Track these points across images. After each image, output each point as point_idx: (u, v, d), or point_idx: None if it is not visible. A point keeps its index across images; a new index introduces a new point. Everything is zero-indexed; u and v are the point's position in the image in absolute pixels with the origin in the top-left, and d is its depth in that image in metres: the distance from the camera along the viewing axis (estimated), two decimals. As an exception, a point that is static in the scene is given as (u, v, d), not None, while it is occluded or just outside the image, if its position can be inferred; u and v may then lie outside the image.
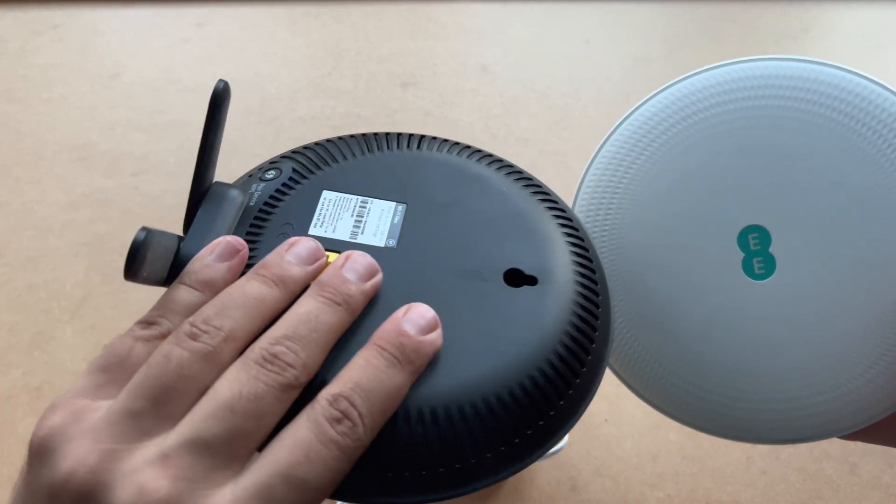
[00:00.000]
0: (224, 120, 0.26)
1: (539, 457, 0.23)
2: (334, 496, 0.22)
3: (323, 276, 0.24)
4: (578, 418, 0.24)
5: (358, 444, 0.21)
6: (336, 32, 0.78)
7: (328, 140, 0.30)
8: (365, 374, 0.21)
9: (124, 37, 0.77)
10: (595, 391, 0.25)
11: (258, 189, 0.28)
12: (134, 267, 0.23)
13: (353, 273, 0.24)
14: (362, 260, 0.24)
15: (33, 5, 0.80)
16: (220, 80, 0.25)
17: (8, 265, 0.52)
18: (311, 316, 0.22)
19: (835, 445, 0.46)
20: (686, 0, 0.86)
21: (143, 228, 0.23)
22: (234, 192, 0.27)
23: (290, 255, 0.24)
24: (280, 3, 0.81)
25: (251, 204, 0.27)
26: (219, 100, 0.25)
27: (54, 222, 0.56)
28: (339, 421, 0.20)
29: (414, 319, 0.23)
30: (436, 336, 0.23)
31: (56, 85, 0.71)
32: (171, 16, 0.80)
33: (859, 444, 0.46)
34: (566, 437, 0.42)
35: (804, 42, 0.80)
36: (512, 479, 0.44)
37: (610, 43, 0.79)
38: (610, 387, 0.48)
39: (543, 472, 0.44)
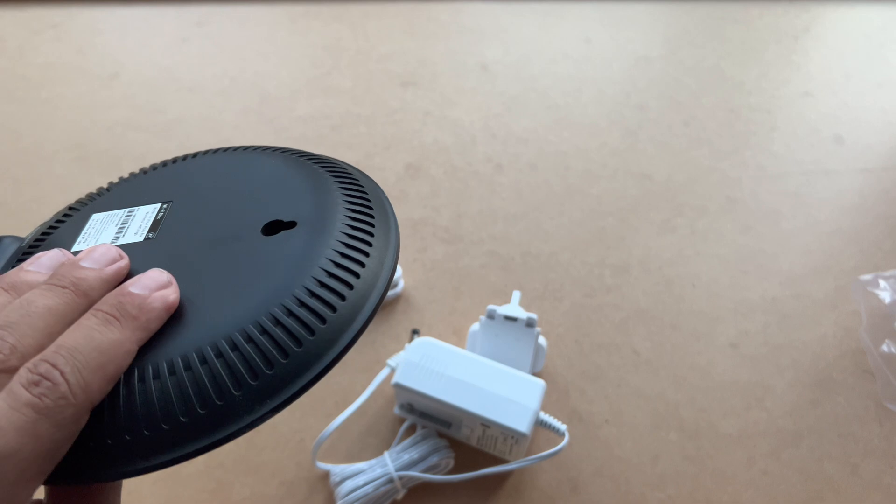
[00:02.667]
0: None
1: (302, 390, 0.22)
2: (81, 477, 0.21)
3: (56, 270, 0.24)
4: (342, 351, 0.23)
5: (63, 402, 0.20)
6: (336, 32, 0.78)
7: (109, 182, 0.32)
8: (72, 335, 0.21)
9: (123, 36, 0.77)
10: (363, 324, 0.24)
11: (33, 232, 0.29)
12: None
13: (88, 261, 0.24)
14: (101, 248, 0.24)
15: (32, 4, 0.80)
16: None
17: None
18: (25, 302, 0.22)
19: (836, 446, 0.46)
20: (686, 0, 0.86)
21: None
22: (8, 240, 0.28)
23: (32, 265, 0.24)
24: (280, 3, 0.81)
25: (22, 245, 0.28)
26: None
27: (53, 222, 0.56)
28: (36, 384, 0.19)
29: (141, 282, 0.23)
30: (167, 292, 0.23)
31: (55, 84, 0.71)
32: (170, 15, 0.79)
33: (860, 445, 0.46)
34: (566, 436, 0.42)
35: (805, 42, 0.80)
36: (512, 480, 0.44)
37: (610, 42, 0.79)
38: (610, 387, 0.48)
39: (543, 473, 0.44)
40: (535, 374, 0.44)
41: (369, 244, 0.26)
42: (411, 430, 0.45)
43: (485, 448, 0.44)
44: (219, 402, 0.21)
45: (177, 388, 0.21)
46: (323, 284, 0.24)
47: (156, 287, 0.23)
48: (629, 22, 0.82)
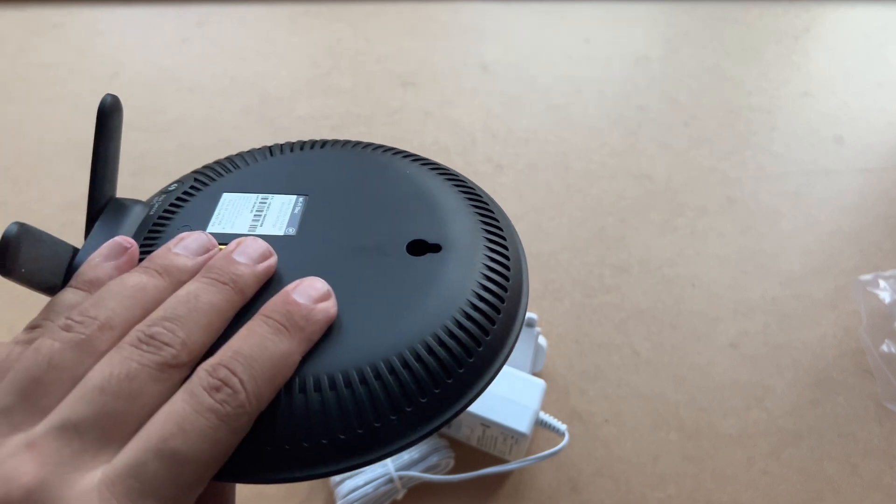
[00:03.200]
0: (117, 133, 0.26)
1: (450, 419, 0.23)
2: (234, 476, 0.21)
3: (211, 262, 0.24)
4: (490, 379, 0.24)
5: (240, 411, 0.20)
6: (336, 32, 0.78)
7: (233, 154, 0.31)
8: (247, 341, 0.21)
9: (124, 36, 0.77)
10: (509, 351, 0.25)
11: (158, 200, 0.28)
12: (6, 262, 0.22)
13: (242, 256, 0.24)
14: (253, 243, 0.24)
15: (33, 4, 0.80)
16: (108, 95, 0.26)
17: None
18: (191, 296, 0.22)
19: (836, 446, 0.46)
20: (686, 0, 0.86)
21: (16, 223, 0.22)
22: (134, 205, 0.27)
23: (178, 247, 0.24)
24: (280, 3, 0.81)
25: (151, 213, 0.27)
26: (105, 114, 0.25)
27: (54, 222, 0.56)
28: (217, 389, 0.20)
29: (304, 290, 0.23)
30: (328, 305, 0.23)
31: (55, 84, 0.71)
32: (170, 15, 0.79)
33: (860, 445, 0.46)
34: (566, 436, 0.42)
35: (805, 42, 0.80)
36: (512, 480, 0.44)
37: (610, 42, 0.79)
38: (610, 387, 0.48)
39: (543, 473, 0.44)
40: (534, 374, 0.44)
41: (507, 278, 0.26)
42: (411, 430, 0.45)
43: (485, 448, 0.44)
44: (376, 424, 0.22)
45: (336, 405, 0.21)
46: (469, 317, 0.24)
47: (318, 298, 0.23)
48: (629, 22, 0.82)
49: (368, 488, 0.41)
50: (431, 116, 0.68)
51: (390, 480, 0.41)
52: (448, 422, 0.23)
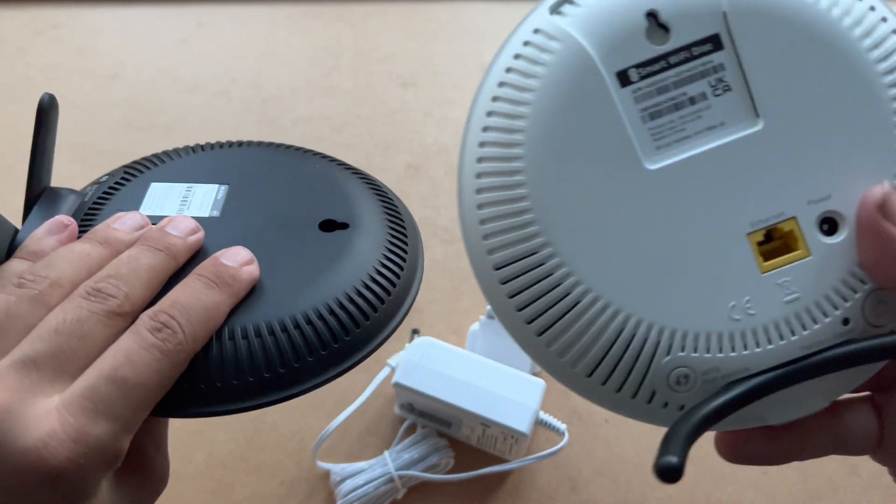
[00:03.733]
0: (53, 127, 0.31)
1: (352, 366, 0.27)
2: (175, 411, 0.25)
3: (146, 233, 0.27)
4: (386, 337, 0.28)
5: (179, 348, 0.23)
6: (336, 32, 0.78)
7: (159, 152, 0.35)
8: (183, 293, 0.25)
9: (124, 36, 0.77)
10: (402, 316, 0.29)
11: (91, 189, 0.32)
12: None
13: (174, 229, 0.27)
14: (183, 220, 0.28)
15: (32, 4, 0.80)
16: (46, 94, 0.30)
17: None
18: (132, 258, 0.25)
19: (835, 445, 0.46)
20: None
21: None
22: (69, 194, 0.31)
23: (117, 223, 0.28)
24: (280, 3, 0.81)
25: (85, 200, 0.31)
26: (44, 111, 0.30)
27: (54, 222, 0.56)
28: (158, 329, 0.23)
29: (231, 255, 0.27)
30: (252, 268, 0.27)
31: (56, 85, 0.71)
32: (170, 16, 0.79)
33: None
34: (566, 436, 0.42)
35: (804, 42, 0.80)
36: (512, 480, 0.44)
37: (610, 42, 0.79)
38: (610, 387, 0.48)
39: (543, 473, 0.44)
40: (535, 373, 0.44)
41: (405, 250, 0.31)
42: (411, 429, 0.45)
43: (485, 448, 0.44)
44: (295, 365, 0.26)
45: (261, 349, 0.25)
46: (374, 280, 0.29)
47: (243, 262, 0.27)
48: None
49: (368, 488, 0.41)
50: (431, 116, 0.68)
51: (390, 480, 0.41)
52: (351, 367, 0.27)
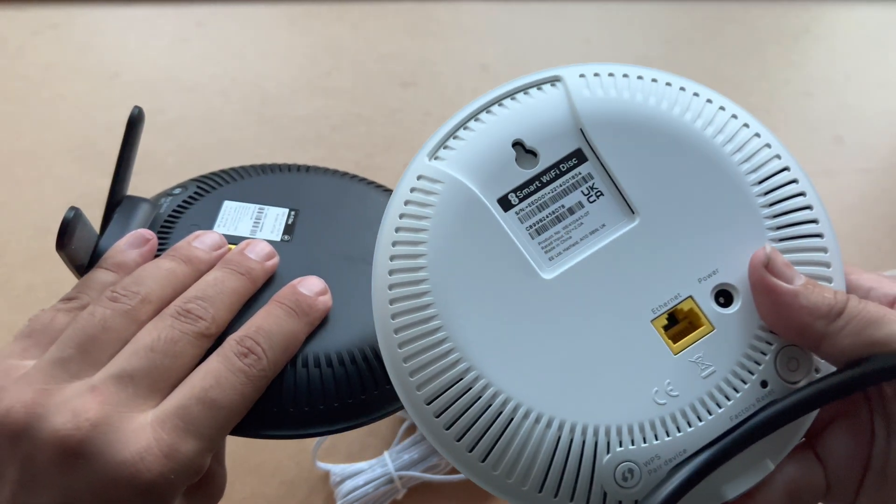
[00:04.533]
0: (138, 140, 0.31)
1: None
2: (250, 431, 0.26)
3: (228, 256, 0.28)
4: None
5: (262, 373, 0.25)
6: (336, 32, 0.78)
7: (228, 168, 0.36)
8: (266, 320, 0.26)
9: (123, 36, 0.77)
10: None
11: (166, 201, 0.32)
12: (65, 239, 0.26)
13: (253, 253, 0.28)
14: (261, 244, 0.29)
15: (32, 4, 0.80)
16: (136, 107, 0.31)
17: (7, 265, 0.52)
18: (218, 281, 0.27)
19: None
20: (686, 0, 0.86)
21: (73, 208, 0.27)
22: (145, 203, 0.32)
23: (197, 242, 0.29)
24: (280, 3, 0.81)
25: (160, 212, 0.31)
26: (133, 124, 0.31)
27: (54, 222, 0.56)
28: (245, 355, 0.25)
29: (307, 284, 0.28)
30: (326, 298, 0.28)
31: (55, 84, 0.71)
32: (170, 15, 0.79)
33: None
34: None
35: (805, 42, 0.80)
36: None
37: (610, 43, 0.79)
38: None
39: (544, 473, 0.44)
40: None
41: None
42: (411, 429, 0.45)
43: (485, 448, 0.44)
44: (362, 396, 0.27)
45: (331, 378, 0.27)
46: None
47: (318, 292, 0.28)
48: (629, 22, 0.82)
49: (368, 488, 0.41)
50: (431, 116, 0.68)
51: (390, 480, 0.41)
52: None
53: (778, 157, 0.24)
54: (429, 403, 0.23)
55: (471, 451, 0.23)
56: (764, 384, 0.22)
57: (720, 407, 0.22)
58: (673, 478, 0.21)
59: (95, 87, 0.71)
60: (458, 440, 0.23)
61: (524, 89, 0.25)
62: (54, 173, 0.61)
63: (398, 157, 0.64)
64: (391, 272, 0.23)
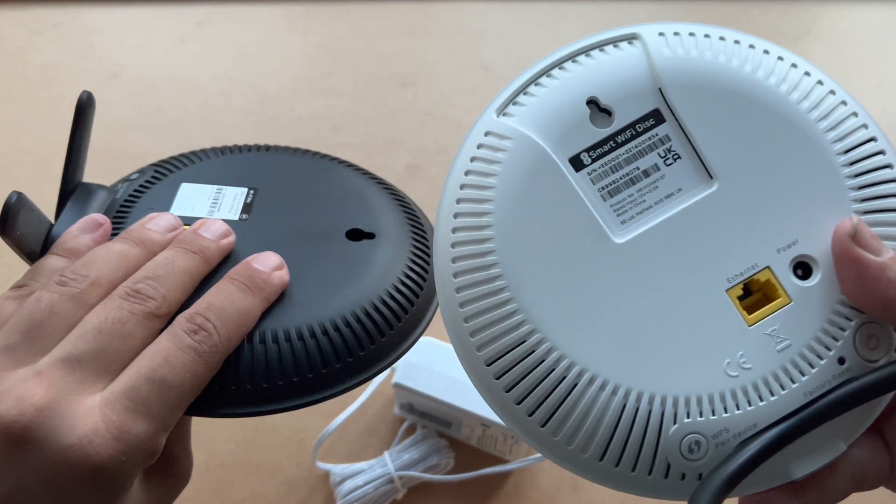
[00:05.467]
0: (90, 125, 0.31)
1: (379, 371, 0.28)
2: (206, 410, 0.25)
3: (181, 235, 0.28)
4: (411, 344, 0.29)
5: (214, 350, 0.24)
6: (336, 32, 0.78)
7: (187, 152, 0.35)
8: (217, 296, 0.25)
9: (123, 36, 0.77)
10: (426, 324, 0.30)
11: (122, 187, 0.32)
12: (7, 224, 0.26)
13: (207, 232, 0.28)
14: (216, 223, 0.28)
15: (32, 4, 0.80)
16: (84, 92, 0.31)
17: (8, 265, 0.52)
18: (168, 260, 0.26)
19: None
20: (686, 0, 0.86)
21: (16, 192, 0.26)
22: (100, 190, 0.31)
23: (151, 224, 0.28)
24: (279, 3, 0.81)
25: (117, 197, 0.31)
26: (82, 109, 0.30)
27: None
28: (195, 332, 0.24)
29: (262, 260, 0.27)
30: (282, 273, 0.27)
31: (55, 84, 0.71)
32: (170, 15, 0.79)
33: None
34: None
35: (805, 42, 0.80)
36: (512, 480, 0.44)
37: (610, 42, 0.79)
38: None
39: (544, 473, 0.44)
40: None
41: (427, 261, 0.31)
42: (411, 430, 0.45)
43: (485, 448, 0.44)
44: (323, 370, 0.26)
45: (290, 353, 0.26)
46: (399, 290, 0.29)
47: (274, 267, 0.27)
48: (629, 22, 0.82)
49: (368, 488, 0.41)
50: (431, 116, 0.68)
51: (390, 480, 0.41)
52: (376, 375, 0.28)
53: (865, 126, 0.23)
54: (489, 364, 0.22)
55: (531, 414, 0.22)
56: (841, 361, 0.22)
57: (794, 382, 0.22)
58: (740, 452, 0.21)
59: (95, 87, 0.70)
60: (518, 403, 0.22)
61: (600, 46, 0.24)
62: (54, 173, 0.61)
63: (398, 157, 0.64)
64: (455, 230, 0.23)
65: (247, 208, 0.31)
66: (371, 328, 0.27)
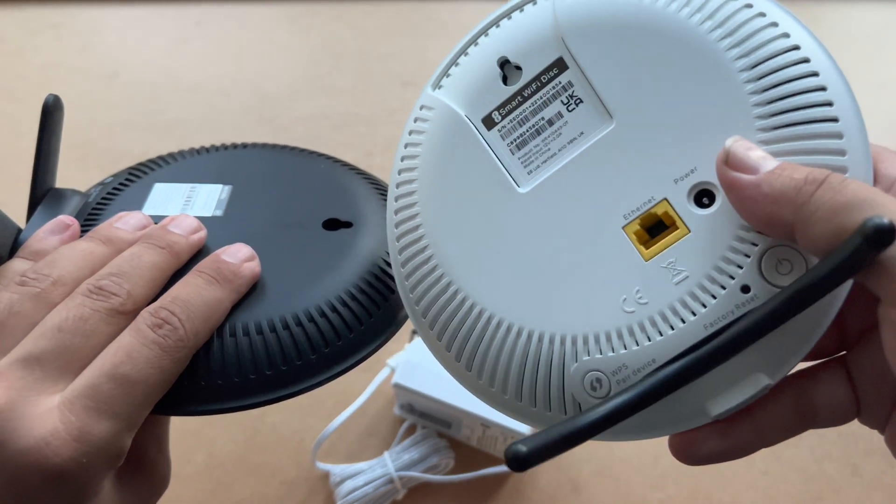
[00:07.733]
0: (58, 129, 0.30)
1: (355, 364, 0.27)
2: (176, 408, 0.24)
3: (149, 231, 0.27)
4: (390, 335, 0.28)
5: (180, 344, 0.23)
6: (336, 31, 0.78)
7: (164, 154, 0.35)
8: (184, 289, 0.25)
9: (123, 36, 0.77)
10: (405, 316, 0.29)
11: (95, 190, 0.31)
12: None
13: (176, 227, 0.27)
14: (185, 219, 0.28)
15: (32, 4, 0.80)
16: (50, 95, 0.30)
17: (7, 265, 0.52)
18: (134, 256, 0.25)
19: (836, 446, 0.46)
20: None
21: None
22: (73, 195, 0.31)
23: (119, 223, 0.28)
24: (279, 3, 0.81)
25: (89, 201, 0.30)
26: (49, 112, 0.30)
27: (53, 222, 0.56)
28: (159, 326, 0.23)
29: (231, 252, 0.27)
30: (253, 264, 0.27)
31: (55, 84, 0.71)
32: (170, 15, 0.79)
33: (861, 445, 0.46)
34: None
35: (805, 41, 0.80)
36: (512, 480, 0.44)
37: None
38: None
39: (544, 474, 0.44)
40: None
41: None
42: (411, 430, 0.45)
43: (485, 448, 0.44)
44: (297, 362, 0.26)
45: (262, 346, 0.25)
46: (377, 278, 0.28)
47: (244, 258, 0.27)
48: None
49: (368, 488, 0.41)
50: (431, 116, 0.68)
51: (390, 481, 0.41)
52: (354, 366, 0.27)
53: (786, 35, 0.21)
54: (424, 316, 0.24)
55: (458, 360, 0.23)
56: (745, 289, 0.20)
57: (694, 314, 0.21)
58: (626, 392, 0.20)
59: (95, 87, 0.71)
60: (449, 350, 0.23)
61: (519, 7, 0.24)
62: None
63: (398, 156, 0.64)
64: (396, 198, 0.25)
65: (221, 204, 0.30)
66: (348, 317, 0.27)
